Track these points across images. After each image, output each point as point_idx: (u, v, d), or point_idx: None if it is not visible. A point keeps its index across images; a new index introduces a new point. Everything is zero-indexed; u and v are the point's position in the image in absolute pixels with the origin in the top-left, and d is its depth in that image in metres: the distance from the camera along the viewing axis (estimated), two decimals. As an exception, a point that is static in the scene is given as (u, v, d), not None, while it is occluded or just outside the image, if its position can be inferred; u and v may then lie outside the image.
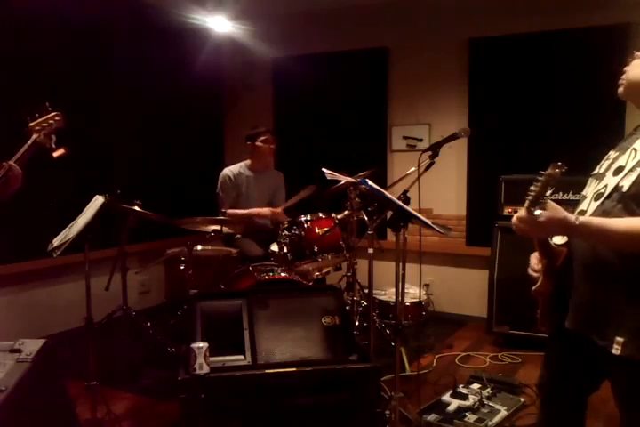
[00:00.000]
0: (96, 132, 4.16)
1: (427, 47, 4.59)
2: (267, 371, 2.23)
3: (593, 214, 1.52)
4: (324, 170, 2.94)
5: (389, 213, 2.58)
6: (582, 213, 1.57)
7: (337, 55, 4.88)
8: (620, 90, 1.60)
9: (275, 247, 3.56)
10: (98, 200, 2.76)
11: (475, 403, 2.87)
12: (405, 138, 4.73)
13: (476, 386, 3.09)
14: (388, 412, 2.48)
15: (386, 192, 2.42)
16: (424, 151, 2.84)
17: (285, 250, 3.43)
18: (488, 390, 3.04)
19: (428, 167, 2.84)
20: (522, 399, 2.97)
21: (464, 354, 3.78)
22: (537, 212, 1.34)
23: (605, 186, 1.52)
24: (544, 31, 4.11)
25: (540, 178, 1.33)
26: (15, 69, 3.67)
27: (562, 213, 1.39)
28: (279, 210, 3.90)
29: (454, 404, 2.88)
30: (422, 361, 3.57)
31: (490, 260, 3.99)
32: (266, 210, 3.93)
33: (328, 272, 3.77)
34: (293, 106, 5.15)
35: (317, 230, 3.43)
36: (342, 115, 4.91)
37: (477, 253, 4.43)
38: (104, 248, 3.77)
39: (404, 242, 2.74)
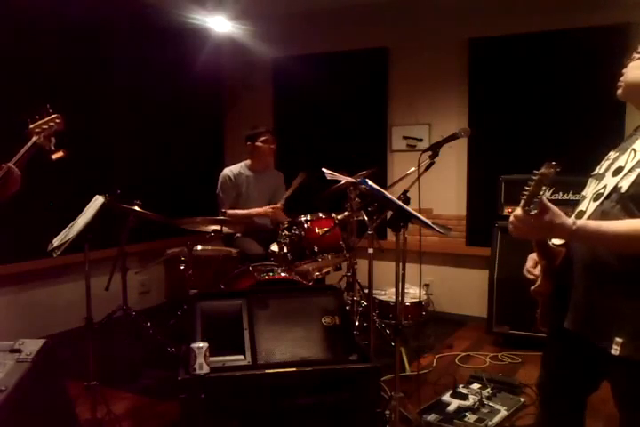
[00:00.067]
0: (96, 132, 4.16)
1: (427, 47, 4.59)
2: (267, 371, 2.23)
3: (592, 215, 1.52)
4: (324, 170, 2.94)
5: (389, 213, 2.58)
6: (581, 213, 1.57)
7: (337, 55, 4.88)
8: (619, 91, 1.60)
9: (275, 247, 3.56)
10: (98, 200, 2.77)
11: (475, 403, 2.87)
12: (405, 138, 4.73)
13: (476, 386, 3.10)
14: (387, 412, 2.48)
15: (386, 192, 2.42)
16: (424, 151, 2.84)
17: (285, 250, 3.43)
18: (488, 390, 3.04)
19: (427, 167, 2.84)
20: (522, 399, 2.97)
21: (464, 354, 3.78)
22: (533, 211, 1.35)
23: (604, 186, 1.52)
24: (544, 31, 4.11)
25: (533, 177, 1.33)
26: (15, 69, 3.67)
27: (560, 217, 1.39)
28: (279, 205, 3.90)
29: (454, 404, 2.88)
30: (422, 361, 3.57)
31: (490, 260, 3.99)
32: (266, 208, 3.93)
33: (328, 272, 3.77)
34: (293, 106, 5.15)
35: (317, 230, 3.43)
36: (342, 115, 4.91)
37: (477, 253, 4.43)
38: (104, 248, 3.77)
39: (404, 242, 2.74)
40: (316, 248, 3.37)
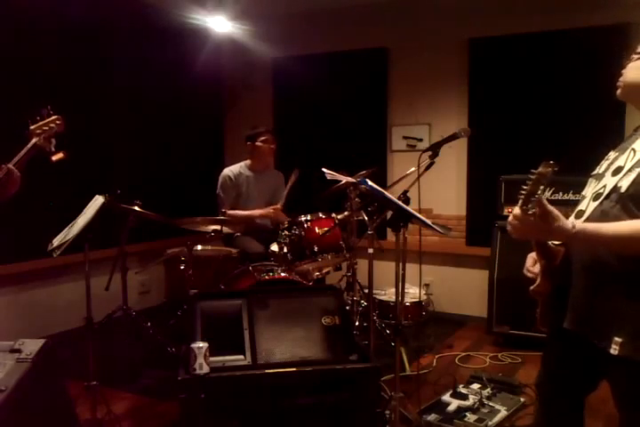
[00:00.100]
0: (96, 132, 4.16)
1: (427, 47, 4.59)
2: (267, 371, 2.23)
3: (591, 214, 1.52)
4: (324, 170, 2.94)
5: (389, 213, 2.58)
6: (581, 212, 1.57)
7: (337, 55, 4.88)
8: (618, 92, 1.61)
9: (275, 247, 3.56)
10: (98, 200, 2.77)
11: (475, 403, 2.87)
12: (405, 138, 4.73)
13: (476, 386, 3.09)
14: (387, 412, 2.48)
15: (386, 192, 2.43)
16: (424, 151, 2.84)
17: (285, 250, 3.43)
18: (488, 390, 3.04)
19: (427, 167, 2.84)
20: (522, 399, 2.97)
21: (464, 354, 3.78)
22: (531, 211, 1.35)
23: (604, 186, 1.52)
24: (544, 31, 4.11)
25: (531, 176, 1.33)
26: (15, 70, 3.67)
27: (559, 220, 1.39)
28: (279, 206, 3.91)
29: (454, 404, 2.87)
30: (422, 361, 3.57)
31: (490, 260, 3.99)
32: (267, 209, 3.93)
33: (328, 272, 3.77)
34: (293, 106, 5.15)
35: (317, 230, 3.43)
36: (342, 115, 4.91)
37: (477, 253, 4.43)
38: (104, 248, 3.77)
39: (404, 242, 2.74)
40: (315, 248, 3.38)
